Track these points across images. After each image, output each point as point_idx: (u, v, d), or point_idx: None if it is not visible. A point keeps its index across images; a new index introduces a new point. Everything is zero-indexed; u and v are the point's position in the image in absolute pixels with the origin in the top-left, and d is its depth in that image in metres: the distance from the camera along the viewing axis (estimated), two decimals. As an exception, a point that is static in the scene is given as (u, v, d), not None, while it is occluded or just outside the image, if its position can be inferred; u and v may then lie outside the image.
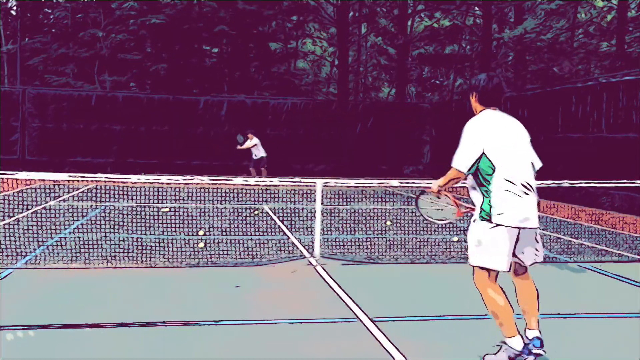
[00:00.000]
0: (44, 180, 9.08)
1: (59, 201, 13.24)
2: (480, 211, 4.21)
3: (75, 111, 23.44)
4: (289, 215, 11.98)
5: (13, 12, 33.54)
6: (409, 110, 27.27)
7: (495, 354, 4.30)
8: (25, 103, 23.26)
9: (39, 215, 10.37)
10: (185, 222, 10.71)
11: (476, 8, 31.66)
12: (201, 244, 8.81)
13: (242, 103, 24.90)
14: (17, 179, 8.19)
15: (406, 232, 10.57)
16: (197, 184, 9.57)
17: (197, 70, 30.99)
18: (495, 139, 4.18)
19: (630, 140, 14.16)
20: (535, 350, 4.24)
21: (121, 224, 9.99)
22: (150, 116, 23.92)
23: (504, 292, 4.25)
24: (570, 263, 8.31)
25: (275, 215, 12.57)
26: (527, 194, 4.18)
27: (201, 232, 9.85)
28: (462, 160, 4.19)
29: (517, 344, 4.20)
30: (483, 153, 4.14)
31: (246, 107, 24.73)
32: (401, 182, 9.56)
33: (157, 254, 8.03)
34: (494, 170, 4.14)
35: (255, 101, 25.42)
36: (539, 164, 4.45)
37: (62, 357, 4.43)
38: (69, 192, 15.38)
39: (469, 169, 4.18)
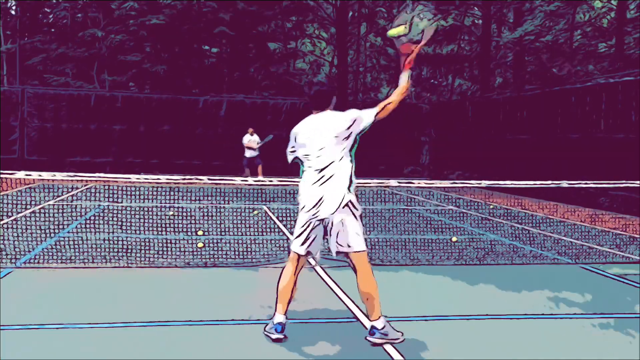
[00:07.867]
0: (43, 179, 9.07)
1: (58, 201, 13.24)
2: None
3: (75, 111, 23.46)
4: (288, 215, 11.96)
5: (12, 12, 33.52)
6: (408, 111, 27.26)
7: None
8: (25, 103, 23.27)
9: (38, 214, 10.37)
10: (185, 222, 10.70)
11: (475, 8, 31.66)
12: (200, 244, 8.80)
13: (242, 103, 24.90)
14: (16, 179, 8.18)
15: (405, 233, 10.58)
16: (196, 183, 9.55)
17: (197, 70, 30.97)
18: (299, 136, 4.91)
19: (629, 140, 14.18)
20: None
21: (120, 223, 9.98)
22: (150, 116, 23.92)
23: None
24: (570, 264, 8.32)
25: (274, 215, 12.57)
26: (320, 184, 4.69)
27: (200, 232, 9.84)
28: (287, 154, 5.09)
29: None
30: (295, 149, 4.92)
31: (245, 107, 24.74)
32: (400, 182, 9.57)
33: (157, 254, 8.03)
34: (302, 164, 4.89)
35: (254, 101, 25.43)
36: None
37: (61, 357, 4.43)
38: (68, 192, 15.37)
39: (292, 161, 5.03)
